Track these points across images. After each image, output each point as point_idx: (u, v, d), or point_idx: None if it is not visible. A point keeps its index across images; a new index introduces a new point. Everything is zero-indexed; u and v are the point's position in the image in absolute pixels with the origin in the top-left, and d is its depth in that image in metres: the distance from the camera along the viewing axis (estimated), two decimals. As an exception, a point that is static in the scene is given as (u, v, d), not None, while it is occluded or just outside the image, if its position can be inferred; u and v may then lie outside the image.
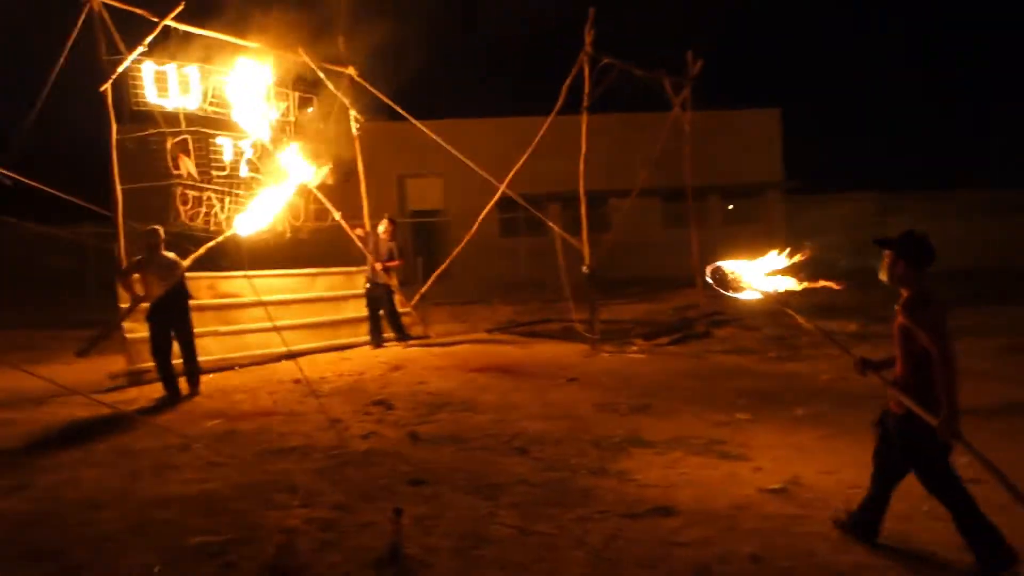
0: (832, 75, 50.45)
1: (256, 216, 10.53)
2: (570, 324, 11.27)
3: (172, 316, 8.26)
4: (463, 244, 12.37)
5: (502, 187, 12.01)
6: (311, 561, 4.11)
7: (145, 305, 8.32)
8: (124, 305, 9.03)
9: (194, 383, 8.37)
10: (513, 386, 8.39)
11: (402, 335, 11.34)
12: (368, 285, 11.28)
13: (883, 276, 3.99)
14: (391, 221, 11.45)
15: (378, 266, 11.08)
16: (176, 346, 8.38)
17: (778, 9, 51.72)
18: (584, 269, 10.75)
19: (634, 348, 10.56)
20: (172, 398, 8.09)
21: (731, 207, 25.86)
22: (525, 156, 11.66)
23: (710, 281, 4.55)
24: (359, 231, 11.38)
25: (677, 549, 4.19)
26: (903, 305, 3.88)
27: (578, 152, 10.94)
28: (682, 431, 6.44)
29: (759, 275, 4.50)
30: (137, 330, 9.06)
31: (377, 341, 11.17)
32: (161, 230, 8.56)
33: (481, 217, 12.22)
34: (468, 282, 18.04)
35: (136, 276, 8.35)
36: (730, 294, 4.53)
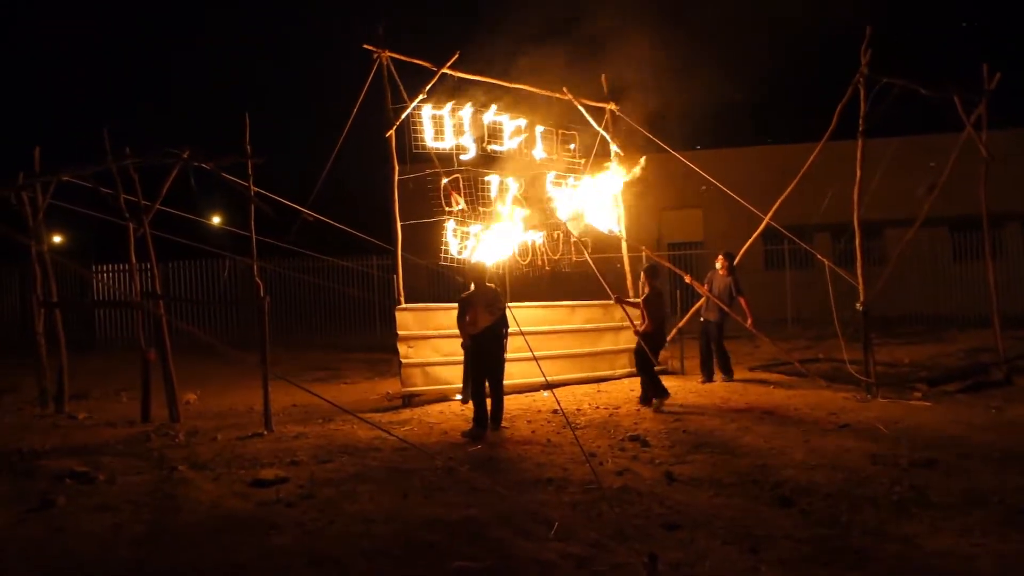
0: None
1: (514, 249, 11.03)
2: (841, 365, 10.42)
3: (492, 347, 8.24)
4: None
5: (767, 218, 11.51)
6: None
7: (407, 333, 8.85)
8: (402, 332, 9.77)
9: (497, 420, 8.25)
10: (776, 430, 7.90)
11: (729, 375, 11.19)
12: (701, 320, 11.38)
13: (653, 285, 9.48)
14: (726, 256, 11.32)
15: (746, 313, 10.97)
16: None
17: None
18: (858, 306, 9.91)
19: (916, 395, 9.53)
20: (479, 433, 7.90)
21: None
22: (792, 184, 11.12)
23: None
24: (687, 278, 11.49)
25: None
26: (643, 296, 9.53)
27: (849, 180, 10.20)
28: (977, 493, 5.66)
29: None
30: (410, 356, 9.76)
31: (707, 375, 11.15)
32: (483, 263, 8.99)
33: (743, 250, 11.80)
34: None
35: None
36: None
